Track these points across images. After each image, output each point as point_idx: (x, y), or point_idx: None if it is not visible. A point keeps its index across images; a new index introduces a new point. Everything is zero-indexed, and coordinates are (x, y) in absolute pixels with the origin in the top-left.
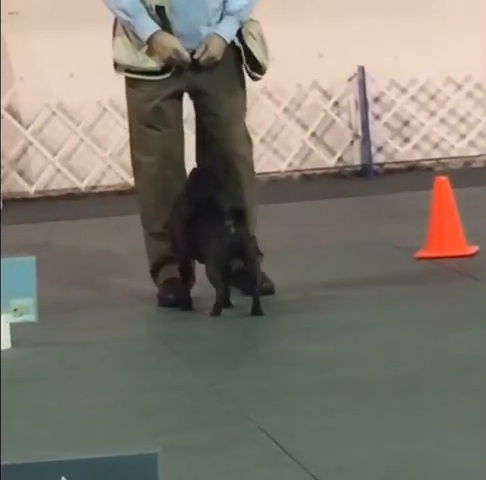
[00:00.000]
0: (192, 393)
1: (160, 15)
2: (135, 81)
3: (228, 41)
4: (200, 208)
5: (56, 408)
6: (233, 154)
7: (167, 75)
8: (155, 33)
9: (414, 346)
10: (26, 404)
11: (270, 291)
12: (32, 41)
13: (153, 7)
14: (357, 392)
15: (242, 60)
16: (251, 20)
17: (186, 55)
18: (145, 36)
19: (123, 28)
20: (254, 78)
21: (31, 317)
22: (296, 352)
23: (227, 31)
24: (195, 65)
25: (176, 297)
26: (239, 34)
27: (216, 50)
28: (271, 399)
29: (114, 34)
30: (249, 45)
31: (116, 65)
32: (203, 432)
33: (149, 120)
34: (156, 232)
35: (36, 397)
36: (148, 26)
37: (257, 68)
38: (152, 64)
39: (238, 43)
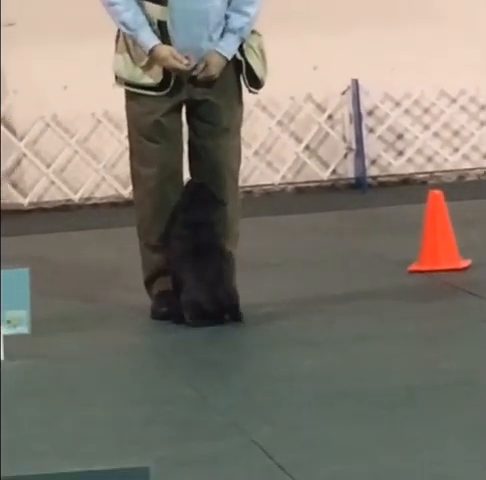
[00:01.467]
0: (185, 406)
1: (161, 30)
2: (135, 95)
3: (229, 58)
4: (196, 227)
5: (49, 421)
6: (223, 166)
7: (166, 91)
8: (156, 46)
9: (407, 360)
10: (17, 417)
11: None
12: (26, 53)
13: (155, 21)
14: (350, 405)
15: (241, 74)
16: (253, 33)
17: (185, 61)
18: (147, 49)
19: (125, 44)
20: (251, 91)
21: (24, 329)
22: (290, 365)
23: (228, 49)
24: (194, 80)
25: (169, 310)
26: (240, 47)
27: (215, 69)
28: (264, 412)
29: (116, 49)
30: (249, 60)
31: (116, 77)
32: (196, 445)
33: (149, 133)
34: (151, 244)
35: (29, 410)
36: (149, 39)
37: (255, 83)
38: (149, 80)
39: (239, 57)
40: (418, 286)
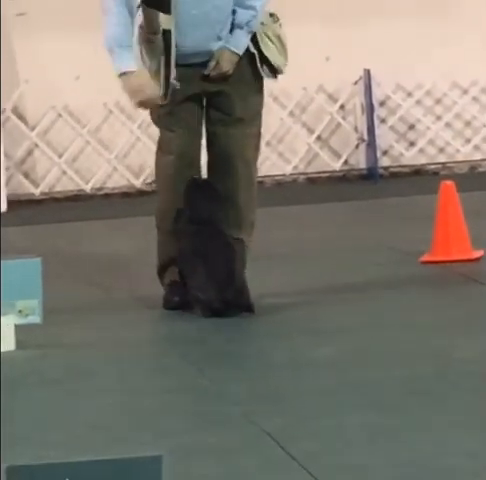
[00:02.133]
0: (196, 396)
1: (165, 39)
2: None
3: (240, 53)
4: (201, 224)
5: (60, 410)
6: (235, 154)
7: (165, 102)
8: (127, 71)
9: (419, 349)
10: (30, 406)
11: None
12: (38, 43)
13: (160, 31)
14: (361, 395)
15: (257, 64)
16: (271, 16)
17: (156, 100)
18: (118, 70)
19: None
20: (271, 78)
21: (36, 319)
22: (301, 355)
23: (238, 44)
24: (207, 78)
25: (181, 299)
26: (254, 37)
27: (227, 65)
28: (275, 402)
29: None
30: (264, 49)
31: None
32: (207, 435)
33: (164, 122)
34: (166, 229)
35: (40, 399)
36: (123, 62)
37: (273, 70)
38: (155, 91)
39: (253, 49)
40: (430, 277)
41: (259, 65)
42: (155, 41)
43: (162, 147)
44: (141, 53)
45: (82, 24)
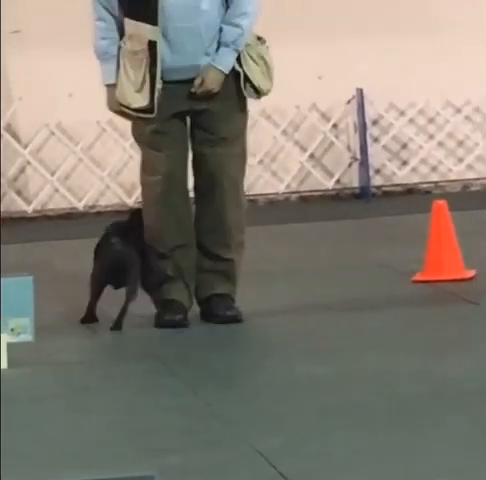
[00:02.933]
0: (189, 415)
1: (151, 50)
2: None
3: (226, 72)
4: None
5: (52, 428)
6: (221, 174)
7: (153, 114)
8: (110, 84)
9: (412, 369)
10: (21, 424)
11: (235, 320)
12: (32, 60)
13: (145, 41)
14: (355, 415)
15: (238, 84)
16: (259, 40)
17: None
18: (104, 81)
19: (123, 69)
20: (253, 98)
21: (28, 337)
22: (294, 375)
23: (223, 62)
24: (194, 95)
25: (173, 318)
26: (238, 57)
27: (212, 83)
28: (268, 422)
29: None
30: (246, 70)
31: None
32: (200, 454)
33: (150, 142)
34: (158, 252)
35: (33, 417)
36: (108, 74)
37: (256, 91)
38: (139, 104)
39: (238, 68)
40: (422, 296)
41: (242, 85)
42: (139, 53)
43: (147, 168)
44: (124, 66)
45: (75, 42)
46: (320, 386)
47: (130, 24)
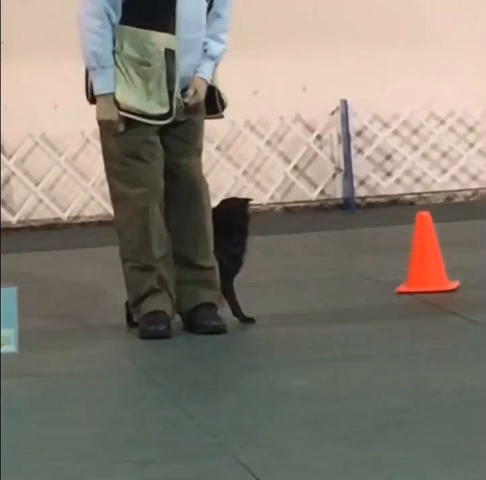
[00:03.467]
0: (172, 426)
1: (167, 58)
2: (128, 119)
3: (209, 83)
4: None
5: (36, 439)
6: (200, 182)
7: (169, 119)
8: (109, 94)
9: (396, 380)
10: (4, 435)
11: (220, 330)
12: (17, 71)
13: (162, 50)
14: (338, 426)
15: (214, 98)
16: None
17: (119, 128)
18: (99, 91)
19: (128, 75)
20: (217, 116)
21: (12, 348)
22: (278, 386)
23: (208, 74)
24: (185, 106)
25: (157, 329)
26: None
27: (203, 93)
28: (251, 433)
29: (117, 78)
30: (216, 85)
31: (117, 104)
32: (183, 466)
33: (138, 153)
34: (141, 264)
35: (15, 428)
36: (107, 84)
37: (222, 105)
38: (160, 110)
39: (211, 82)
40: (406, 307)
41: (217, 98)
42: (152, 64)
43: (127, 179)
44: (127, 73)
45: (60, 53)
46: (304, 397)
47: (137, 33)
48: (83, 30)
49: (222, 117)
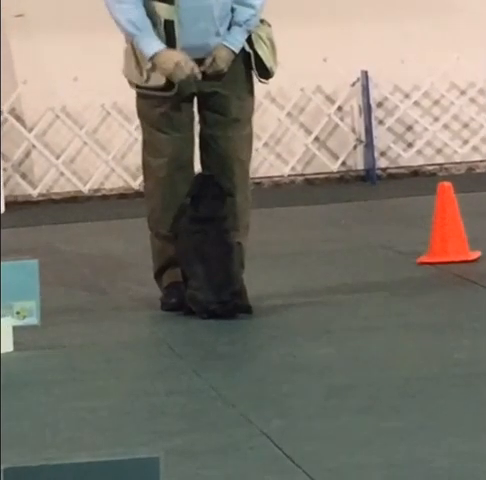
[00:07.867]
0: (194, 397)
1: (167, 29)
2: (144, 93)
3: (237, 52)
4: (204, 223)
5: (58, 411)
6: (232, 156)
7: (173, 91)
8: (159, 51)
9: (417, 351)
10: (28, 407)
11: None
12: (36, 44)
13: (162, 21)
14: (360, 396)
15: (251, 65)
16: (262, 23)
17: (190, 67)
18: (149, 53)
19: (132, 47)
20: (262, 82)
21: (33, 320)
22: (299, 356)
23: (235, 42)
24: (203, 75)
25: (179, 301)
26: (249, 38)
27: (223, 62)
28: (273, 403)
29: (125, 52)
30: (259, 50)
31: (128, 80)
32: (205, 436)
33: (157, 124)
34: (162, 234)
35: (38, 400)
36: (153, 43)
37: (265, 73)
38: (155, 82)
39: (248, 49)
40: (427, 278)
41: (253, 65)
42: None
43: (151, 150)
44: (132, 45)
45: (80, 26)
46: (325, 368)
47: (148, 4)
48: (112, 3)
49: (265, 83)
